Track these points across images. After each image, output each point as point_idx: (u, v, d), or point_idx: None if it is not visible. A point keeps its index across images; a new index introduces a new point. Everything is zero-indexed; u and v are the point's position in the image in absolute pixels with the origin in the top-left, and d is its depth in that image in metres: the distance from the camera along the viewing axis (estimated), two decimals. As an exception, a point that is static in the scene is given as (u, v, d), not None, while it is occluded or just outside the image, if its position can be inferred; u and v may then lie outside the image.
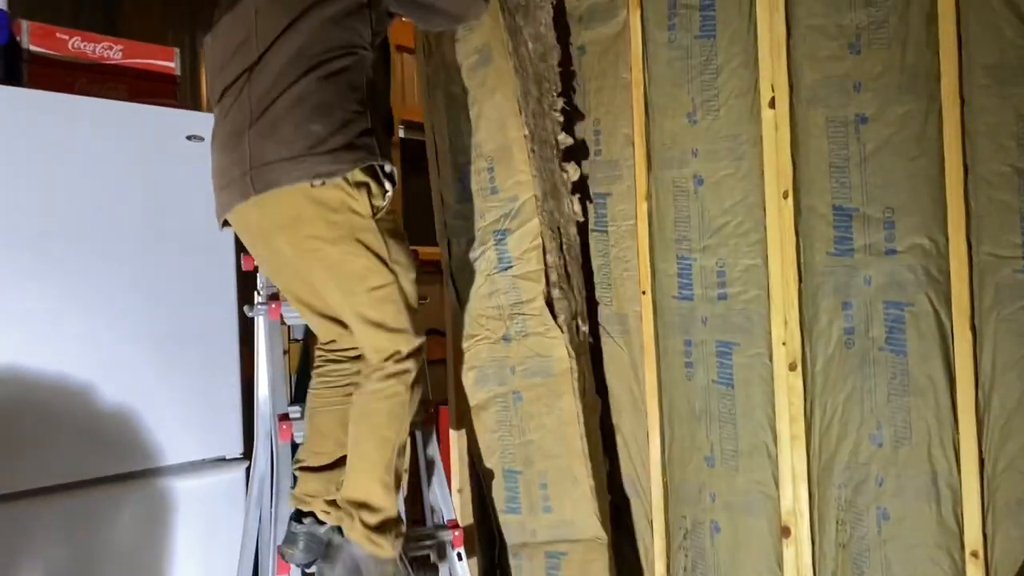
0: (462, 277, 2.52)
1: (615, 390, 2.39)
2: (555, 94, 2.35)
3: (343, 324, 1.95)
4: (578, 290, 2.37)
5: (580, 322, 2.34)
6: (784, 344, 2.02)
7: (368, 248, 1.81)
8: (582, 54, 2.42)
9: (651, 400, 2.29)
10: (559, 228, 2.35)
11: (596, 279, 2.41)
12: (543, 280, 2.30)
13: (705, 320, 2.18)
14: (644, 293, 2.29)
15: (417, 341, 1.85)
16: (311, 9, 1.82)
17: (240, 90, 1.84)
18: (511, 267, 2.38)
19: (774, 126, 2.04)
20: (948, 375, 1.80)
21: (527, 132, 2.30)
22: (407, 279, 1.87)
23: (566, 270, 2.33)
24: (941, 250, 1.81)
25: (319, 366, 2.08)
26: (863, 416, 1.92)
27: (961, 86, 1.78)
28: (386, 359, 1.82)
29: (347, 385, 2.01)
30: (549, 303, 2.28)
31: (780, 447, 2.04)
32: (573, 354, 2.23)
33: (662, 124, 2.24)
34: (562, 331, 2.24)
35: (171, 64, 2.53)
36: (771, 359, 2.05)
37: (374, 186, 1.81)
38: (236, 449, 2.40)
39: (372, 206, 1.81)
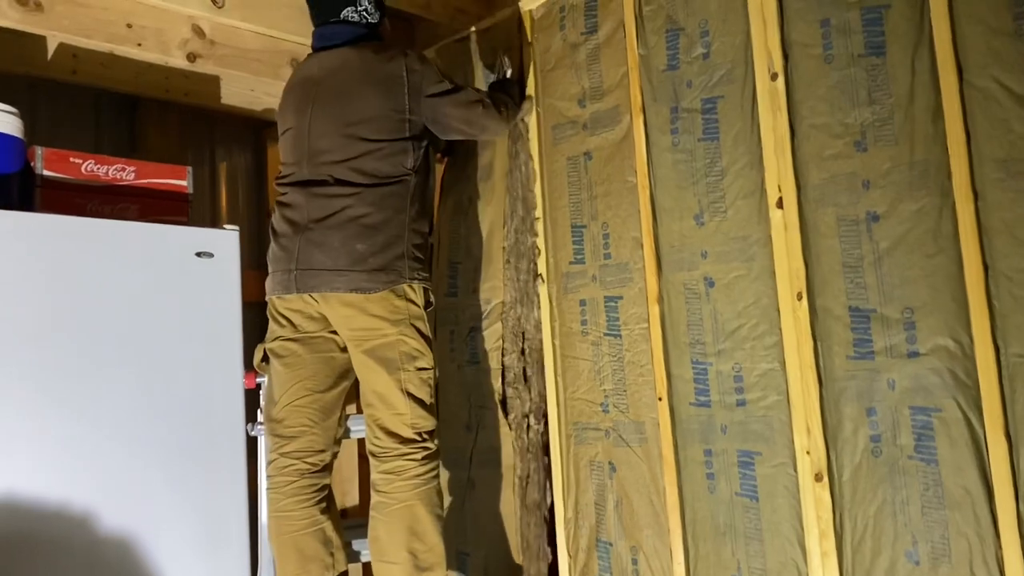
0: (441, 368, 2.73)
1: (635, 503, 2.28)
2: (535, 217, 2.54)
3: (335, 415, 2.18)
4: (537, 392, 2.55)
5: (532, 420, 2.52)
6: (808, 453, 1.91)
7: (420, 334, 2.13)
8: (588, 160, 2.42)
9: (673, 515, 2.17)
10: (523, 333, 2.57)
11: (609, 385, 2.34)
12: (500, 378, 2.58)
13: (725, 428, 2.08)
14: (660, 399, 2.21)
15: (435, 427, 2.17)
16: (363, 142, 2.12)
17: (299, 191, 2.12)
18: (478, 362, 2.64)
19: (783, 226, 1.99)
20: (985, 486, 1.68)
21: (506, 244, 2.60)
22: (437, 372, 2.23)
23: (524, 372, 2.57)
24: (967, 351, 1.71)
25: (290, 482, 2.09)
26: (896, 530, 1.79)
27: (973, 180, 1.72)
28: (422, 435, 2.09)
29: (321, 501, 2.07)
30: (503, 401, 2.55)
31: (811, 565, 1.90)
32: (518, 451, 2.51)
33: (670, 226, 2.21)
34: (510, 427, 2.52)
35: (183, 183, 2.57)
36: (796, 469, 1.94)
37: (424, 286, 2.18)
38: (243, 574, 2.31)
39: (426, 300, 2.17)
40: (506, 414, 2.52)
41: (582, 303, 2.41)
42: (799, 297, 1.95)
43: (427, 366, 2.10)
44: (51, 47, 2.74)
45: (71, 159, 2.38)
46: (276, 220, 2.15)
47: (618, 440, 2.31)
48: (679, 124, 2.20)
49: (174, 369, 2.27)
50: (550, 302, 2.50)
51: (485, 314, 2.62)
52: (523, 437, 2.51)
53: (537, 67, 2.57)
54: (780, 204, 2.00)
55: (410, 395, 2.06)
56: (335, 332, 2.12)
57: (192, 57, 2.82)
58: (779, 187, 2.00)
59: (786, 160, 1.99)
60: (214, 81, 3.09)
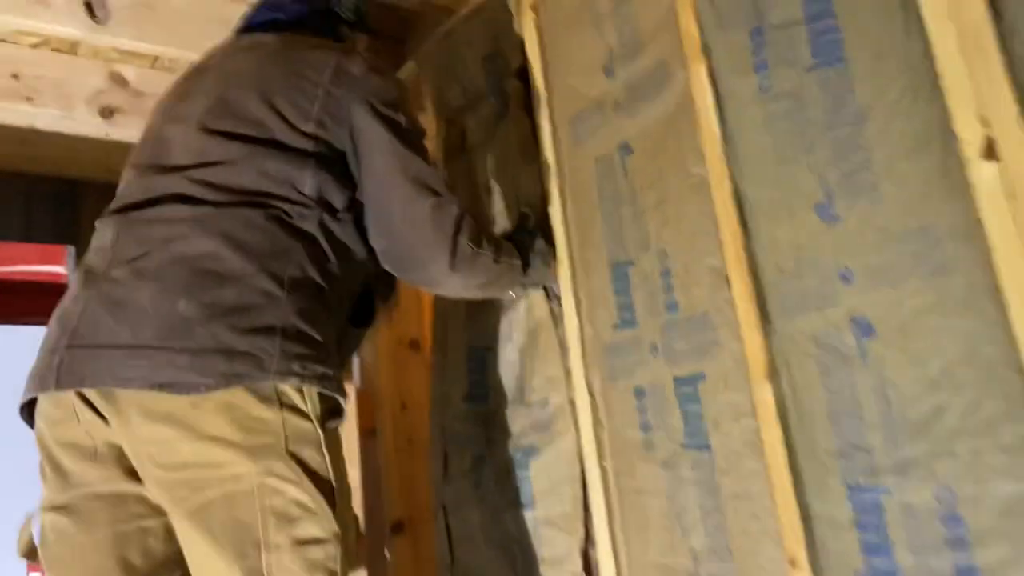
0: (460, 516, 1.70)
1: None
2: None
3: None
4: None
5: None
6: None
7: (309, 473, 1.10)
8: (626, 155, 1.47)
9: None
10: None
11: (699, 539, 1.29)
12: (580, 530, 1.50)
13: (937, 626, 0.99)
14: (794, 565, 1.14)
15: None
16: (230, 142, 1.25)
17: (113, 223, 1.22)
18: (533, 505, 1.58)
19: (1002, 193, 0.96)
20: None
21: (552, 309, 1.61)
22: (351, 541, 1.14)
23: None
24: None
25: None
26: None
27: None
28: None
29: None
30: (588, 570, 1.49)
31: None
32: None
33: (774, 234, 1.21)
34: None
35: (60, 269, 1.80)
36: None
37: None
38: None
39: (325, 410, 1.15)
40: None
41: (639, 393, 1.40)
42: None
43: (322, 535, 1.08)
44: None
45: None
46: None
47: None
48: (767, 54, 1.23)
49: None
50: (590, 397, 1.50)
51: (543, 423, 1.60)
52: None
53: (544, 42, 1.68)
54: (991, 152, 0.98)
55: None
56: (140, 479, 1.14)
57: (108, 112, 2.12)
58: (983, 121, 0.99)
59: (992, 69, 0.98)
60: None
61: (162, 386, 1.03)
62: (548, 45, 1.67)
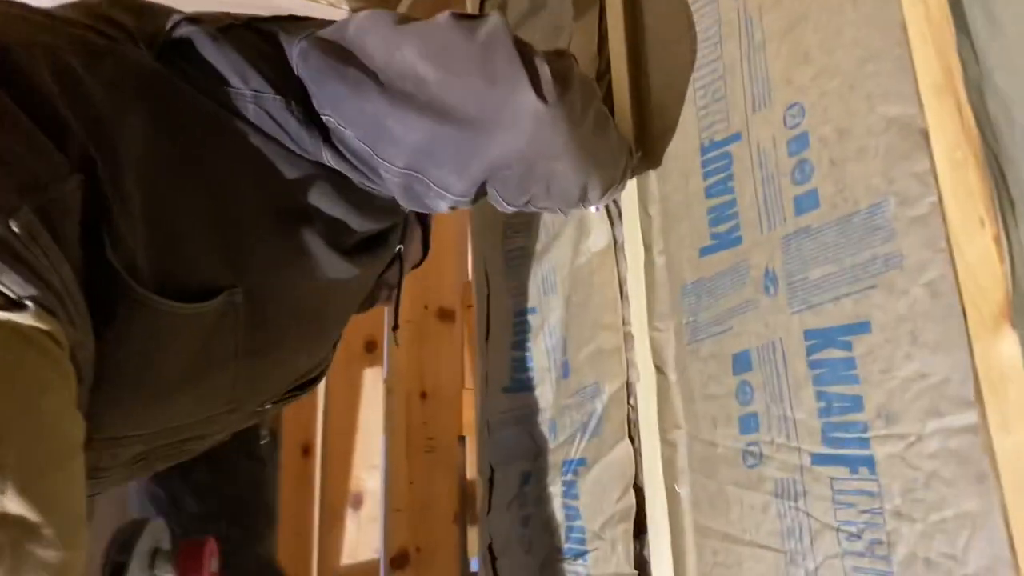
0: (509, 560, 1.12)
1: None
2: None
3: None
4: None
5: None
6: None
7: None
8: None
9: None
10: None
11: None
12: None
13: None
14: None
15: None
16: None
17: None
18: (585, 554, 0.99)
19: None
20: None
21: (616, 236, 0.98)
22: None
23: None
24: None
25: None
26: None
27: None
28: None
29: None
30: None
31: None
32: None
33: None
34: None
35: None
36: None
37: None
38: None
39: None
40: None
41: (739, 363, 0.79)
42: None
43: None
44: None
45: None
46: None
47: None
48: None
49: None
50: (658, 375, 0.90)
51: (593, 422, 1.00)
52: None
53: None
54: None
55: None
56: None
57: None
58: None
59: None
60: None
61: None
62: None
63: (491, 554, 1.15)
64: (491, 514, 1.18)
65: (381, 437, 1.68)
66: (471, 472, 2.05)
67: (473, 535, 1.86)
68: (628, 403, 0.95)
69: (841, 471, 0.68)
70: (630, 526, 0.93)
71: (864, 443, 0.66)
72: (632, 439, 0.94)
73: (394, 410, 1.56)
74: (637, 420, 0.93)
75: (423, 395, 1.57)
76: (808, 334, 0.72)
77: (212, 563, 0.75)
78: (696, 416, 0.84)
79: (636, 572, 0.91)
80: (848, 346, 0.68)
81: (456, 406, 1.57)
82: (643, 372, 0.91)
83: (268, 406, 0.88)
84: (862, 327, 0.67)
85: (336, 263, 0.78)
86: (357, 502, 1.76)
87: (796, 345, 0.73)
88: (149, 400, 0.72)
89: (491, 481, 1.19)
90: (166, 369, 0.70)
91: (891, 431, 0.64)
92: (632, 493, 0.93)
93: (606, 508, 0.96)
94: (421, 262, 1.08)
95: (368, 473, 1.78)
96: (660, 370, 0.89)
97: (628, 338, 0.96)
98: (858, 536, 0.66)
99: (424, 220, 1.01)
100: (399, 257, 0.93)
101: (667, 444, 0.87)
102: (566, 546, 1.01)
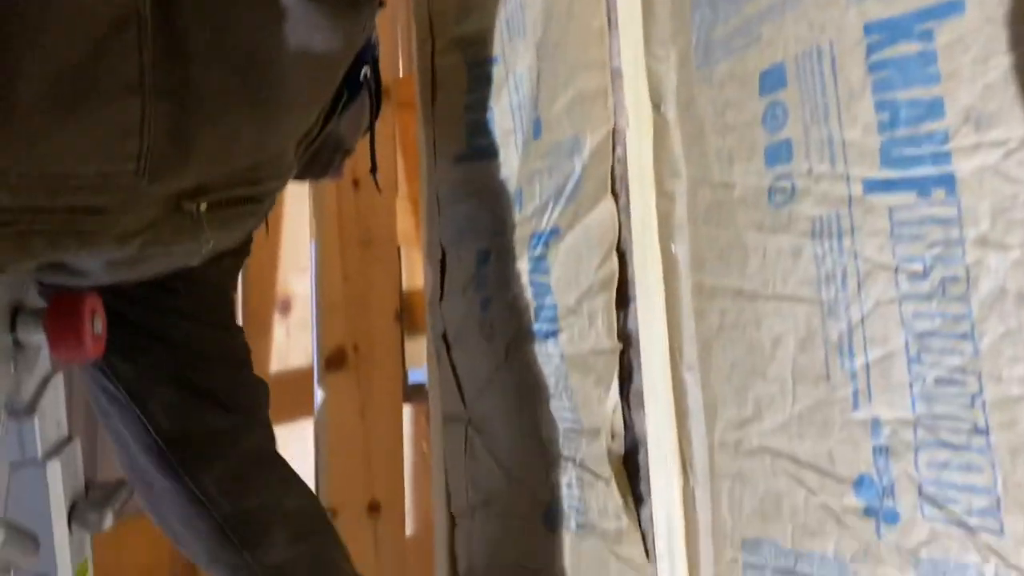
0: (464, 351, 0.98)
1: None
2: None
3: None
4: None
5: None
6: None
7: None
8: None
9: None
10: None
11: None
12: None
13: None
14: None
15: None
16: None
17: None
18: (556, 333, 0.85)
19: None
20: None
21: None
22: None
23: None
24: None
25: None
26: None
27: None
28: None
29: None
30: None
31: None
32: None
33: None
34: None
35: None
36: None
37: None
38: None
39: None
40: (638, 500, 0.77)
41: (767, 83, 0.63)
42: None
43: None
44: None
45: None
46: None
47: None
48: None
49: None
50: (655, 114, 0.73)
51: (570, 184, 0.83)
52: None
53: None
54: None
55: None
56: None
57: None
58: None
59: None
60: None
61: None
62: None
63: (445, 342, 1.01)
64: (443, 301, 1.03)
65: (310, 237, 1.51)
66: (407, 280, 1.90)
67: (413, 343, 1.74)
68: (613, 155, 0.80)
69: (906, 198, 0.54)
70: (611, 296, 0.79)
71: (943, 158, 0.52)
72: (616, 196, 0.80)
73: (323, 199, 1.37)
74: (625, 174, 0.78)
75: (356, 183, 1.39)
76: (870, 28, 0.56)
77: (96, 323, 0.58)
78: (706, 155, 0.68)
79: (620, 344, 0.78)
80: (928, 35, 0.53)
81: (394, 194, 1.40)
82: (635, 113, 0.75)
83: (202, 204, 0.66)
84: (952, 8, 0.51)
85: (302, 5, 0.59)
86: (285, 307, 1.60)
87: (852, 45, 0.57)
88: (6, 112, 0.52)
89: (442, 264, 1.04)
90: (29, 70, 0.50)
91: (983, 138, 0.50)
92: (615, 258, 0.79)
93: (582, 279, 0.83)
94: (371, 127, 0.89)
95: (296, 276, 1.62)
96: (657, 108, 0.73)
97: (616, 76, 0.79)
98: (923, 275, 0.53)
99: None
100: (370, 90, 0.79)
101: (663, 196, 0.73)
102: (535, 326, 0.88)
